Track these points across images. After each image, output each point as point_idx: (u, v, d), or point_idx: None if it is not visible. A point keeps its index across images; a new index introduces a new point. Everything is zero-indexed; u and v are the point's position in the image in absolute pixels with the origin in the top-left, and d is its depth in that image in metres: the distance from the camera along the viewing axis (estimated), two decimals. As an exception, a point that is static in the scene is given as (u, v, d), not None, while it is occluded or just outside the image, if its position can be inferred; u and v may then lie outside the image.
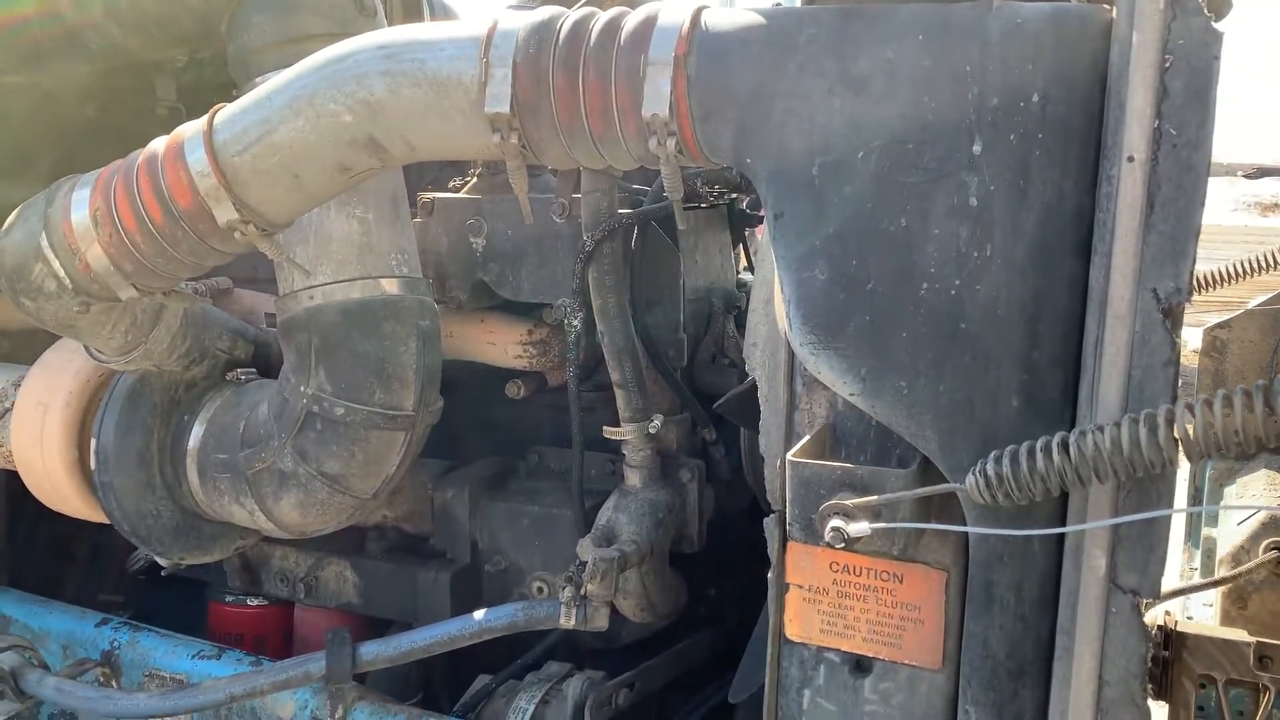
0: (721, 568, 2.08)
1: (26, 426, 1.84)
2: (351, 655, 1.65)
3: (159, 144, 1.37)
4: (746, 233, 2.25)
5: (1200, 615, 2.20)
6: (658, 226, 1.85)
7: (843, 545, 1.11)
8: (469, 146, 1.26)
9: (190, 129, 1.35)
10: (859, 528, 1.10)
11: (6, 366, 2.03)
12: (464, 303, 1.91)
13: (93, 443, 1.76)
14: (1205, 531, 2.29)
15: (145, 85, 2.20)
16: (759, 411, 1.34)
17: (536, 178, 1.90)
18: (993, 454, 1.05)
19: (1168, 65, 1.01)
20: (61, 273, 1.41)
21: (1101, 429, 1.00)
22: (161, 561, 1.91)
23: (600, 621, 1.61)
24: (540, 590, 1.89)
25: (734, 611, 2.18)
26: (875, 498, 1.12)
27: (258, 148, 1.29)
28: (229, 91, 2.36)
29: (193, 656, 1.88)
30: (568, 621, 1.60)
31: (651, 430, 1.74)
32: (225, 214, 1.31)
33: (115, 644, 1.94)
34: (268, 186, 1.32)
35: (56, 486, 1.85)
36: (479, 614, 1.67)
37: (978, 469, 1.06)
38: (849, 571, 1.26)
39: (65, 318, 1.48)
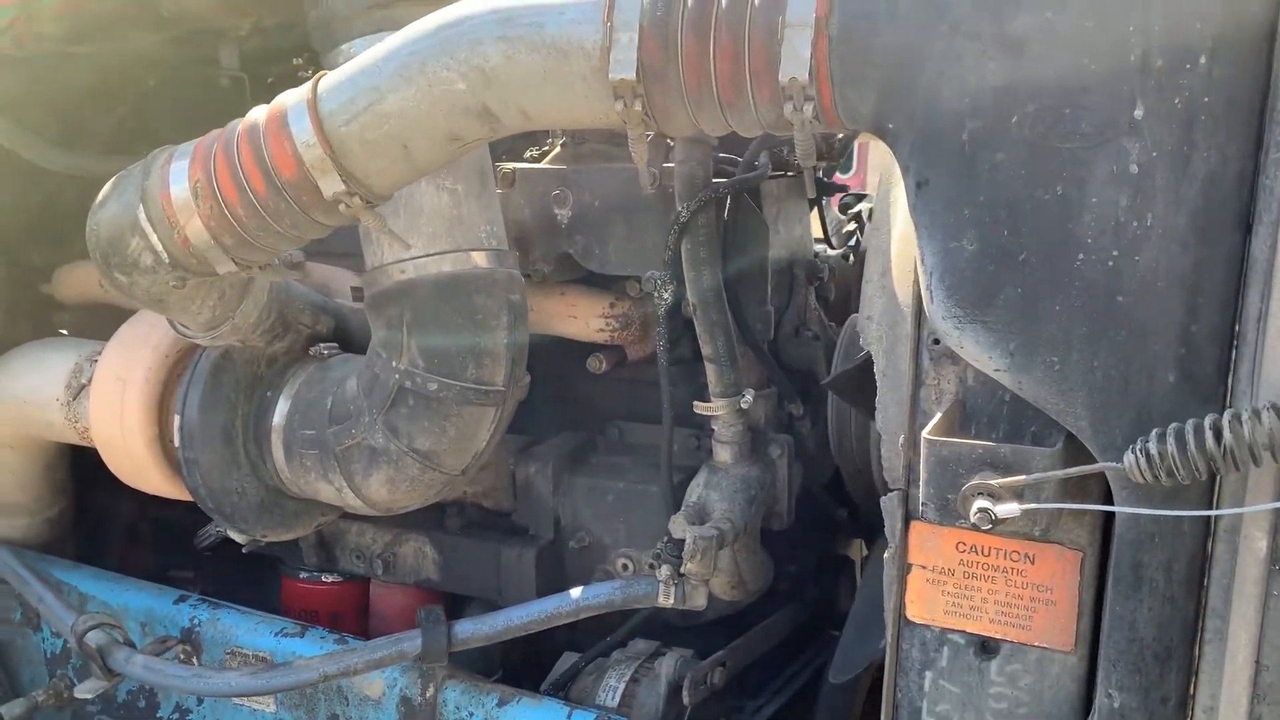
0: (800, 543, 2.05)
1: (105, 402, 1.82)
2: (447, 634, 1.62)
3: (259, 113, 1.33)
4: (824, 201, 2.21)
5: None
6: (747, 197, 1.81)
7: (989, 527, 1.08)
8: (587, 114, 1.21)
9: (292, 98, 1.30)
10: (1007, 509, 1.07)
11: (79, 342, 2.01)
12: (548, 275, 1.87)
13: (175, 419, 1.73)
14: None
15: (209, 54, 2.16)
16: (873, 388, 1.30)
17: (622, 146, 1.85)
18: (1154, 432, 1.01)
19: (1349, 23, 0.96)
20: (159, 247, 1.37)
21: (1276, 406, 0.96)
22: (239, 539, 1.88)
23: (699, 600, 1.58)
24: (625, 567, 1.87)
25: (812, 587, 2.16)
26: (1023, 478, 1.08)
27: (366, 117, 1.25)
28: (290, 59, 2.33)
29: (275, 634, 1.86)
30: (666, 600, 1.57)
31: (743, 405, 1.71)
32: (331, 186, 1.27)
33: (195, 621, 1.93)
34: (375, 157, 1.28)
35: (136, 463, 1.83)
36: (575, 592, 1.64)
37: (1138, 447, 1.01)
38: (977, 552, 1.23)
39: (158, 292, 1.45)
